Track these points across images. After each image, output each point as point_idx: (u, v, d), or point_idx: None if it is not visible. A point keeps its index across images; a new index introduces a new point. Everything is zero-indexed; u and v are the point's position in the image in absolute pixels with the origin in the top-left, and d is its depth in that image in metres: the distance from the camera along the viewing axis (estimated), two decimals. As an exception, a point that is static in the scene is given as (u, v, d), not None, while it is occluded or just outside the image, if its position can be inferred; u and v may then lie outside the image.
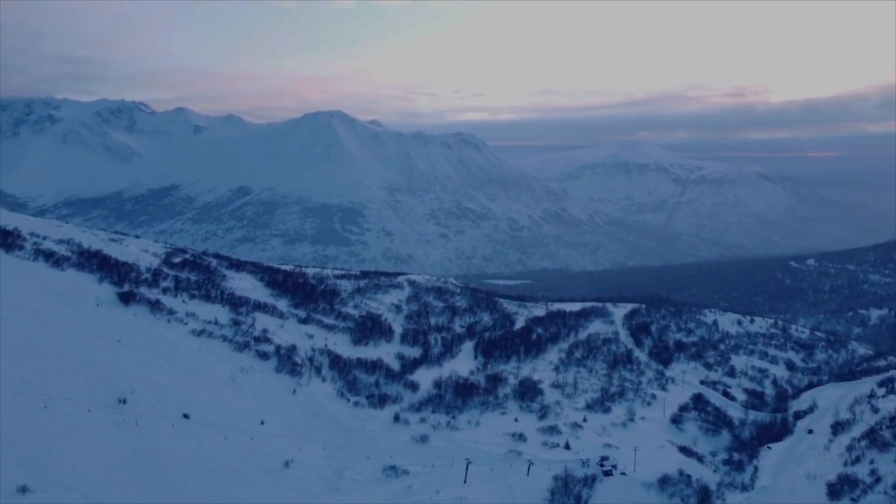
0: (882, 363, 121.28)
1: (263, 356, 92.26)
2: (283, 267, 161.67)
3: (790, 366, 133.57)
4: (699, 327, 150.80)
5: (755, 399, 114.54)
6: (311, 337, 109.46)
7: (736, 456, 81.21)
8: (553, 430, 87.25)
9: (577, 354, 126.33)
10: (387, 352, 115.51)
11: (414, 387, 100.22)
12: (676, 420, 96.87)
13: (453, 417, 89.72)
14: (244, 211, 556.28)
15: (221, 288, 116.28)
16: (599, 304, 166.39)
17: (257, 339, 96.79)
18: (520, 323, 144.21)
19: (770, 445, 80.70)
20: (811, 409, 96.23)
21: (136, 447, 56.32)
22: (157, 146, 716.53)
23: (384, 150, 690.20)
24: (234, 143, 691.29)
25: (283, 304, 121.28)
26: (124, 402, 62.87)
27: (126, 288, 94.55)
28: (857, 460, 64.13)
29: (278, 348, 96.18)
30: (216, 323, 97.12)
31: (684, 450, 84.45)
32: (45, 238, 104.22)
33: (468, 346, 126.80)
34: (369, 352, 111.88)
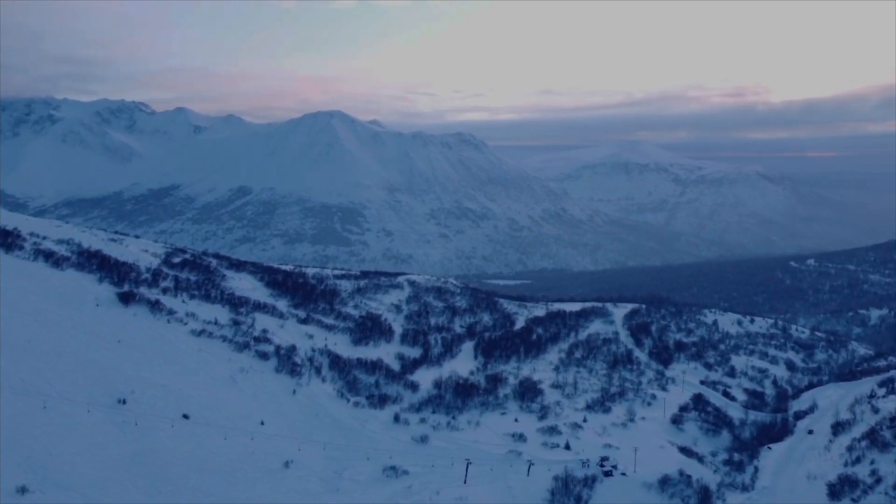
0: (882, 363, 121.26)
1: (263, 356, 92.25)
2: (283, 267, 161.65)
3: (790, 366, 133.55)
4: (699, 327, 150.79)
5: (755, 399, 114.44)
6: (310, 337, 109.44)
7: (736, 456, 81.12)
8: (553, 430, 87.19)
9: (577, 354, 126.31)
10: (387, 352, 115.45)
11: (414, 387, 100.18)
12: (676, 420, 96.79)
13: (453, 418, 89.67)
14: (244, 211, 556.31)
15: (221, 288, 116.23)
16: (599, 305, 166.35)
17: (257, 340, 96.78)
18: (520, 323, 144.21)
19: (770, 446, 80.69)
20: (811, 409, 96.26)
21: (135, 447, 56.33)
22: (157, 146, 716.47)
23: (384, 150, 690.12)
24: (234, 143, 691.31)
25: (282, 305, 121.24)
26: (124, 402, 62.90)
27: (126, 288, 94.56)
28: (858, 461, 64.09)
29: (278, 348, 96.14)
30: (216, 323, 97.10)
31: (684, 450, 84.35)
32: (44, 238, 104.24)
33: (468, 347, 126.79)
34: (369, 352, 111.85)
